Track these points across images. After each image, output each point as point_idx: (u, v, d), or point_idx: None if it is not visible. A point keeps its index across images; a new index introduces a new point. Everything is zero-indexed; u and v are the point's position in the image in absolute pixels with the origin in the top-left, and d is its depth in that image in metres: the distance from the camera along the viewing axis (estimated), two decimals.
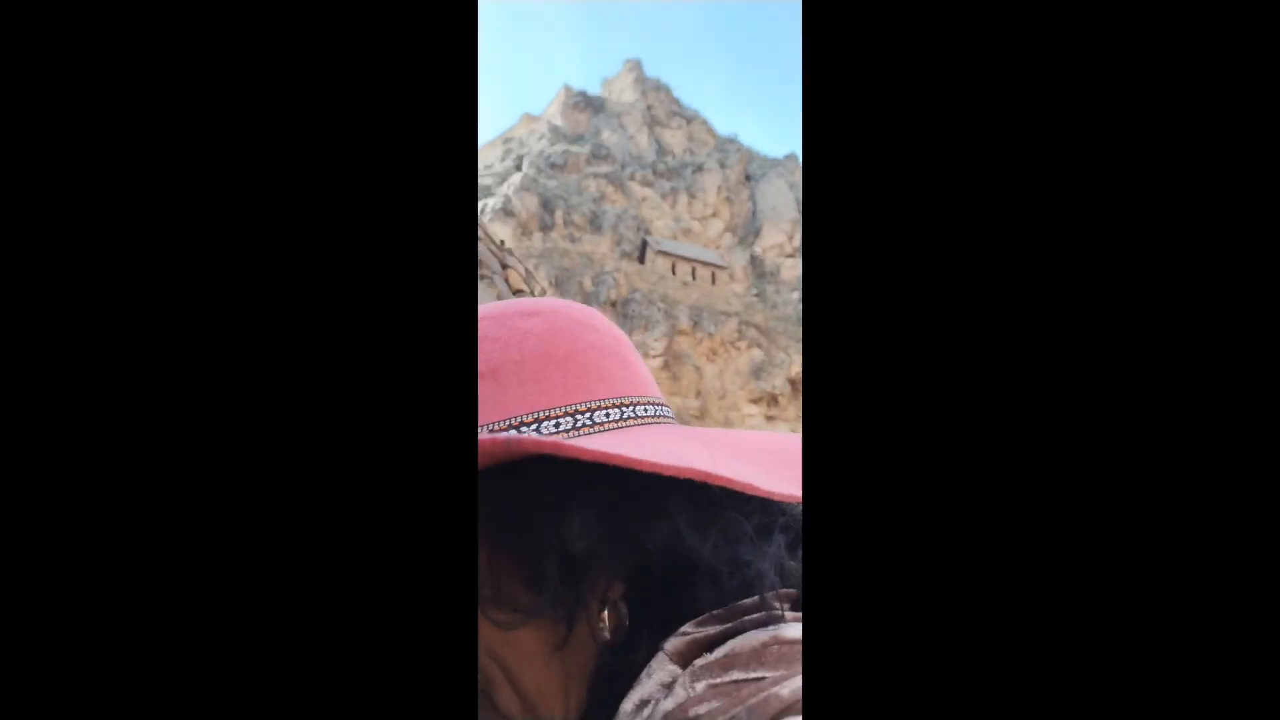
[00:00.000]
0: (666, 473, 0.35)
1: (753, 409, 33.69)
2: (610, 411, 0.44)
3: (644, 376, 0.49)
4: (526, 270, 7.77)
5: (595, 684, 0.39)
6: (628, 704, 0.34)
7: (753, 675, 0.31)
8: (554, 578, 0.39)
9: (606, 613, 0.39)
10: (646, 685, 0.34)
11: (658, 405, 0.47)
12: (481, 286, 6.29)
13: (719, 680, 0.31)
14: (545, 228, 39.08)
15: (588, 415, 0.43)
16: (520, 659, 0.41)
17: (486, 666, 0.41)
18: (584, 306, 0.50)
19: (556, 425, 0.42)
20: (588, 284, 33.87)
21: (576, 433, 0.42)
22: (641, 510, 0.39)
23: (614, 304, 32.87)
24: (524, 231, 37.50)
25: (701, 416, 32.13)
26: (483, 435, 0.38)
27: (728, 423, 31.81)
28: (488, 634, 0.40)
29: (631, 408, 0.45)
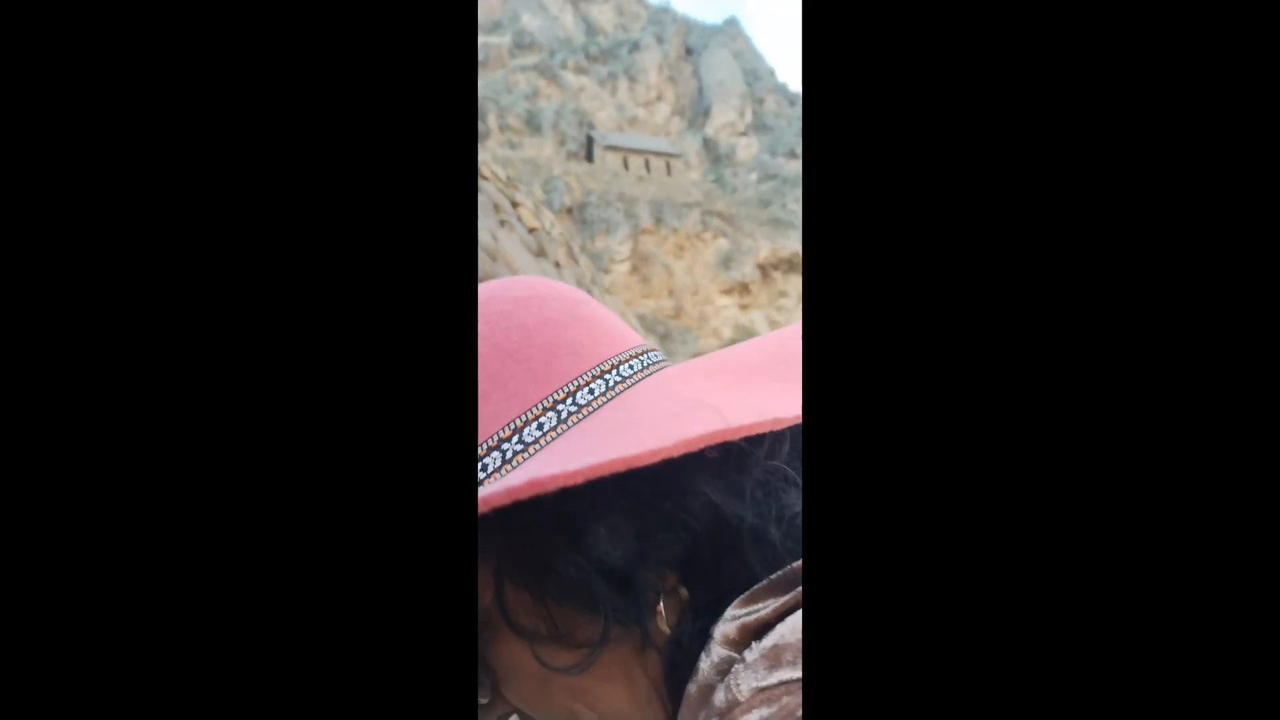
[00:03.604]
0: (680, 453, 0.32)
1: (726, 300, 32.36)
2: (593, 386, 0.39)
3: (614, 328, 0.43)
4: (536, 202, 6.52)
5: (671, 674, 0.36)
6: (691, 687, 0.32)
7: (799, 675, 0.28)
8: (606, 597, 0.35)
9: (663, 604, 0.36)
10: (704, 671, 0.32)
11: (640, 355, 0.42)
12: (503, 232, 5.09)
13: (765, 683, 0.28)
14: (480, 138, 35.78)
15: (569, 401, 0.38)
16: (606, 685, 0.37)
17: (579, 713, 0.38)
18: (514, 279, 0.43)
19: (540, 426, 0.37)
20: (538, 192, 31.27)
21: (564, 426, 0.38)
22: (667, 495, 0.36)
23: (569, 210, 30.49)
24: None
25: (677, 315, 30.78)
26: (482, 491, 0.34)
27: (703, 318, 30.53)
28: (565, 683, 0.37)
29: (614, 371, 0.40)
